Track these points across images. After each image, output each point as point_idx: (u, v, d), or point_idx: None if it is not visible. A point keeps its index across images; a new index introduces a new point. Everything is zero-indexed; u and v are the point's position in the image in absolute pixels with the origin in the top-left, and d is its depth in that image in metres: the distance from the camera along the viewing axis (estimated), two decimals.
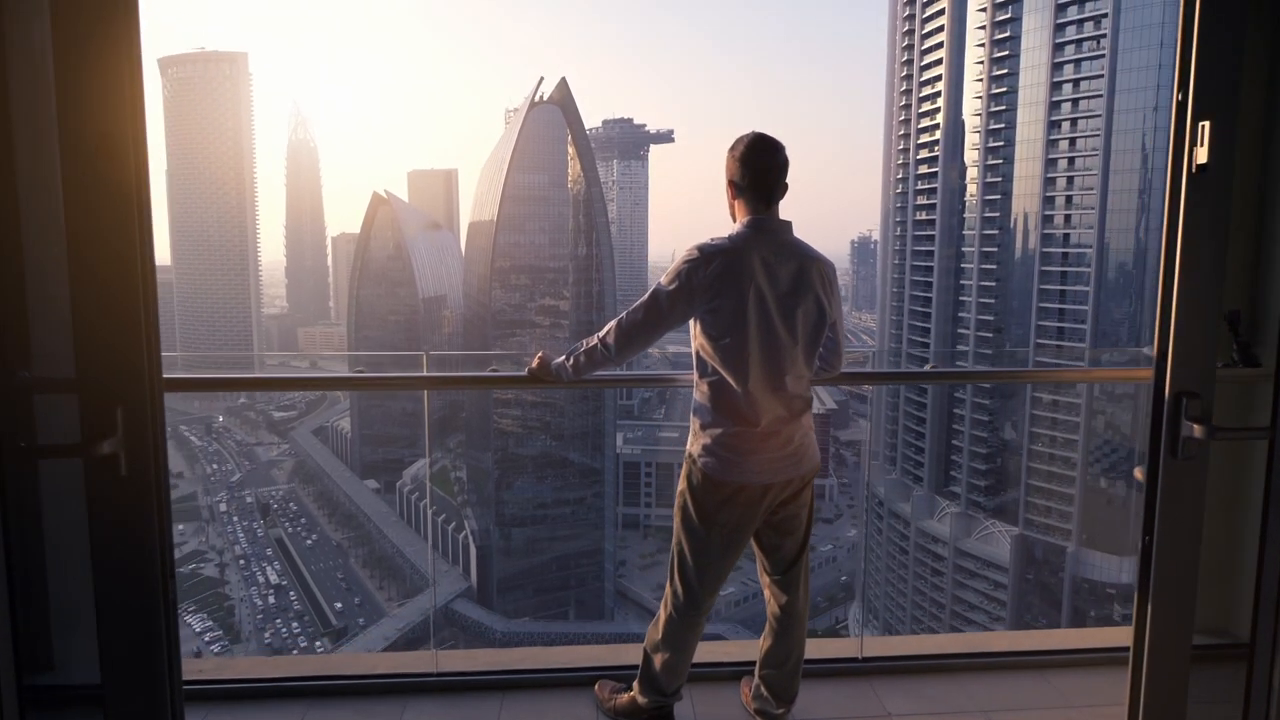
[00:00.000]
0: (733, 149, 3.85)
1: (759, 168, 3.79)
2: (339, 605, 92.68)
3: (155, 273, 2.89)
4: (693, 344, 3.91)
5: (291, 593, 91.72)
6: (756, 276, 3.66)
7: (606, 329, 4.00)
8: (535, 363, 4.37)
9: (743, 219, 3.83)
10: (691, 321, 3.86)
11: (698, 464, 3.86)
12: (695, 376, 3.92)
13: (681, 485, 4.02)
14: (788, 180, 3.92)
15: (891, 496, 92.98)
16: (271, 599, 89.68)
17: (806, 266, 3.78)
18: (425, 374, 5.15)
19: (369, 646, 74.04)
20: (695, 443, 3.89)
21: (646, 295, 3.88)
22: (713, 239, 3.79)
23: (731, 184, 3.88)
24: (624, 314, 3.94)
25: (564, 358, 4.21)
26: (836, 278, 3.96)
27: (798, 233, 3.93)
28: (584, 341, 4.11)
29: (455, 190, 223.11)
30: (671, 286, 3.76)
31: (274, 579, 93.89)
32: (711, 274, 3.65)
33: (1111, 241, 76.74)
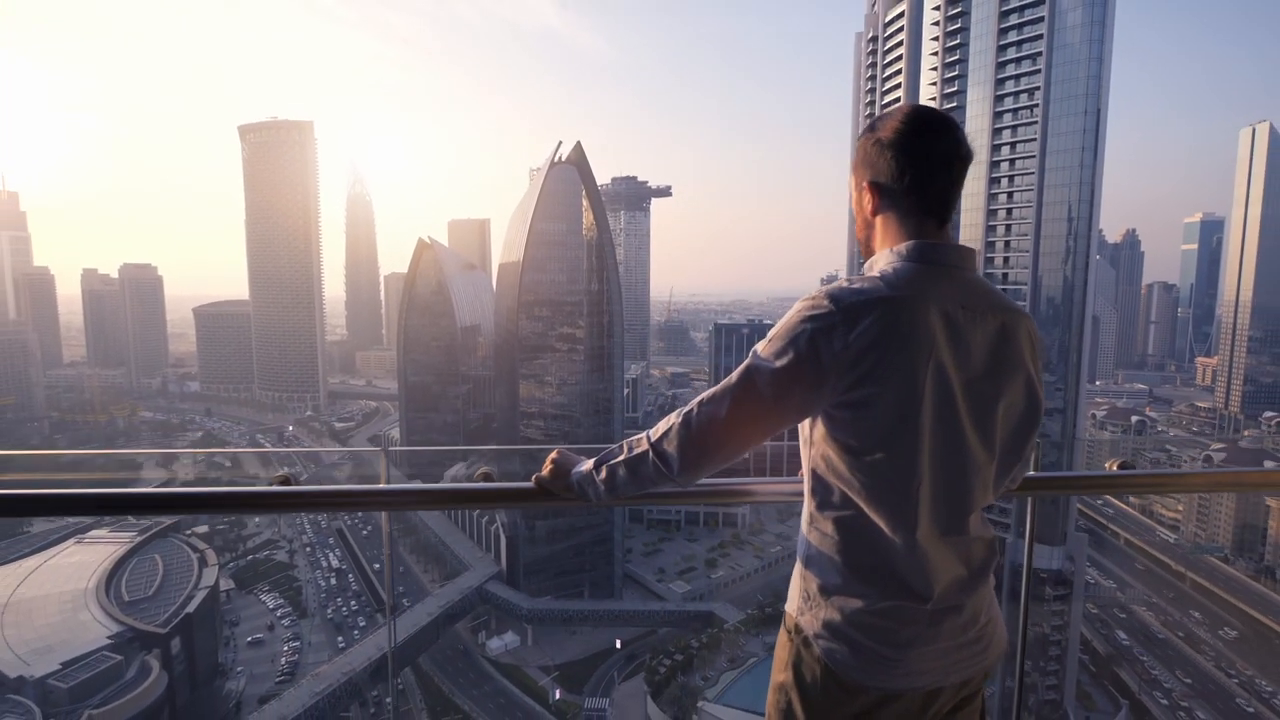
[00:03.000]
0: (876, 129, 2.14)
1: (931, 158, 2.09)
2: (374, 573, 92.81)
3: None
4: (806, 453, 2.23)
5: (350, 575, 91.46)
6: (937, 346, 1.97)
7: (665, 428, 2.22)
8: (548, 469, 2.63)
9: (895, 245, 2.14)
10: (808, 420, 2.18)
11: (815, 651, 2.17)
12: (809, 505, 2.24)
13: (784, 676, 2.27)
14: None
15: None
16: (333, 581, 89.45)
17: (1012, 327, 2.11)
18: (383, 487, 3.14)
19: (415, 622, 73.77)
20: (811, 614, 2.20)
21: (735, 375, 2.13)
22: (851, 280, 2.06)
23: (873, 188, 2.18)
24: (695, 404, 2.17)
25: (590, 466, 2.45)
26: None
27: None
28: (624, 446, 2.36)
29: (488, 236, 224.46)
30: (782, 361, 2.02)
31: (335, 564, 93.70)
32: (859, 342, 1.94)
33: (1044, 279, 76.73)
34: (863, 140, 2.20)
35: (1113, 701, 66.38)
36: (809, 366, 1.99)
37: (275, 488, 2.91)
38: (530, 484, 2.74)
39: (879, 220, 2.20)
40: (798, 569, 2.30)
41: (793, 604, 2.29)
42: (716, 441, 2.14)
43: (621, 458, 2.34)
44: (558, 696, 70.40)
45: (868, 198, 2.20)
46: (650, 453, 2.24)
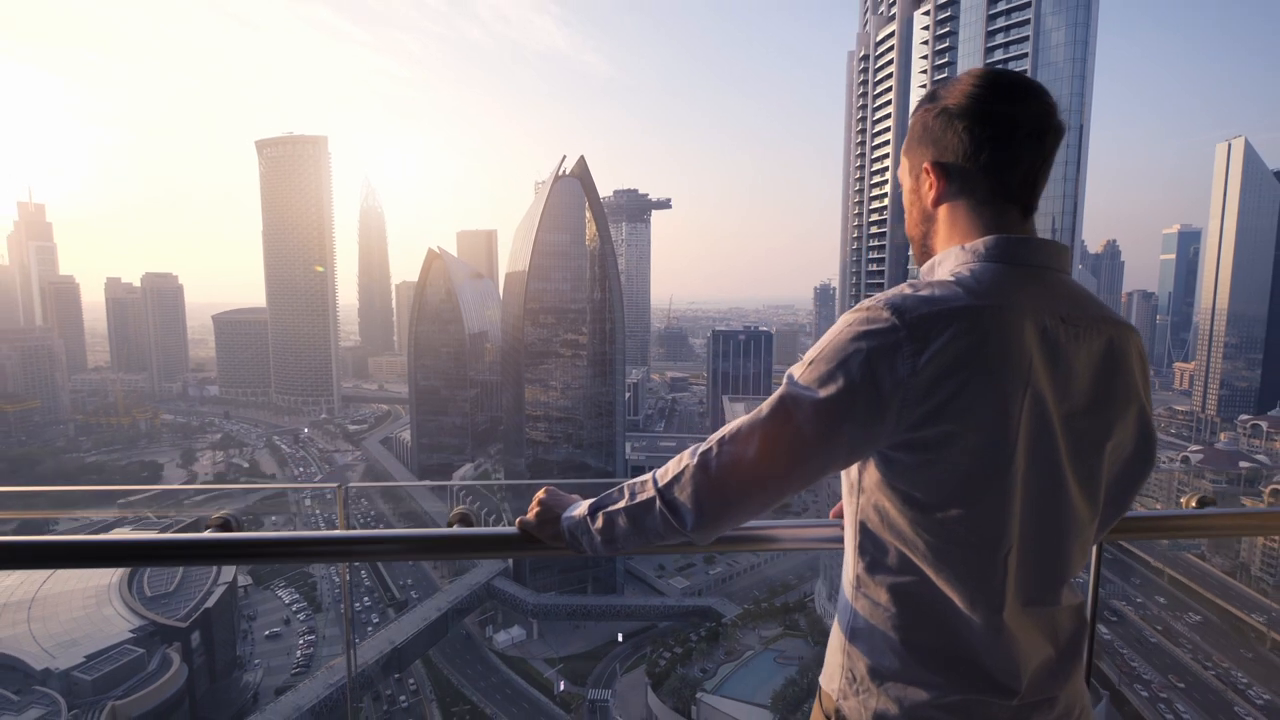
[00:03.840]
0: (939, 97, 1.66)
1: (1017, 129, 1.58)
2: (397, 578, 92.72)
3: None
4: (853, 501, 1.72)
5: (363, 571, 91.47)
6: (1034, 371, 1.48)
7: (676, 471, 1.69)
8: (534, 513, 2.07)
9: (967, 240, 1.65)
10: (859, 464, 1.68)
11: None
12: (854, 565, 1.72)
13: None
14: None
15: (834, 483, 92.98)
16: (347, 576, 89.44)
17: (1121, 346, 1.62)
18: (341, 534, 2.38)
19: (425, 616, 73.81)
20: (858, 701, 1.69)
21: (766, 406, 1.60)
22: (915, 285, 1.56)
23: (937, 170, 1.69)
24: (714, 442, 1.65)
25: (585, 511, 1.89)
26: None
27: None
28: (625, 490, 1.81)
29: (495, 247, 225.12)
30: (828, 390, 1.52)
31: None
32: (932, 367, 1.46)
33: None
34: (921, 113, 1.70)
35: (1094, 693, 66.22)
36: (864, 397, 1.47)
37: (210, 535, 2.28)
38: (513, 529, 2.16)
39: (943, 211, 1.70)
40: (838, 641, 1.77)
41: (832, 683, 1.76)
42: (742, 490, 1.61)
43: (622, 504, 1.79)
44: (562, 688, 70.34)
45: (929, 182, 1.70)
46: (658, 501, 1.70)
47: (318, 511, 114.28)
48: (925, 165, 1.69)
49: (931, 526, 1.54)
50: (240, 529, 2.36)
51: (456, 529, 2.33)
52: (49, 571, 64.10)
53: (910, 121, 1.74)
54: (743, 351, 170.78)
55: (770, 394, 1.56)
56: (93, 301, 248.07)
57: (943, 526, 1.53)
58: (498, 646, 79.16)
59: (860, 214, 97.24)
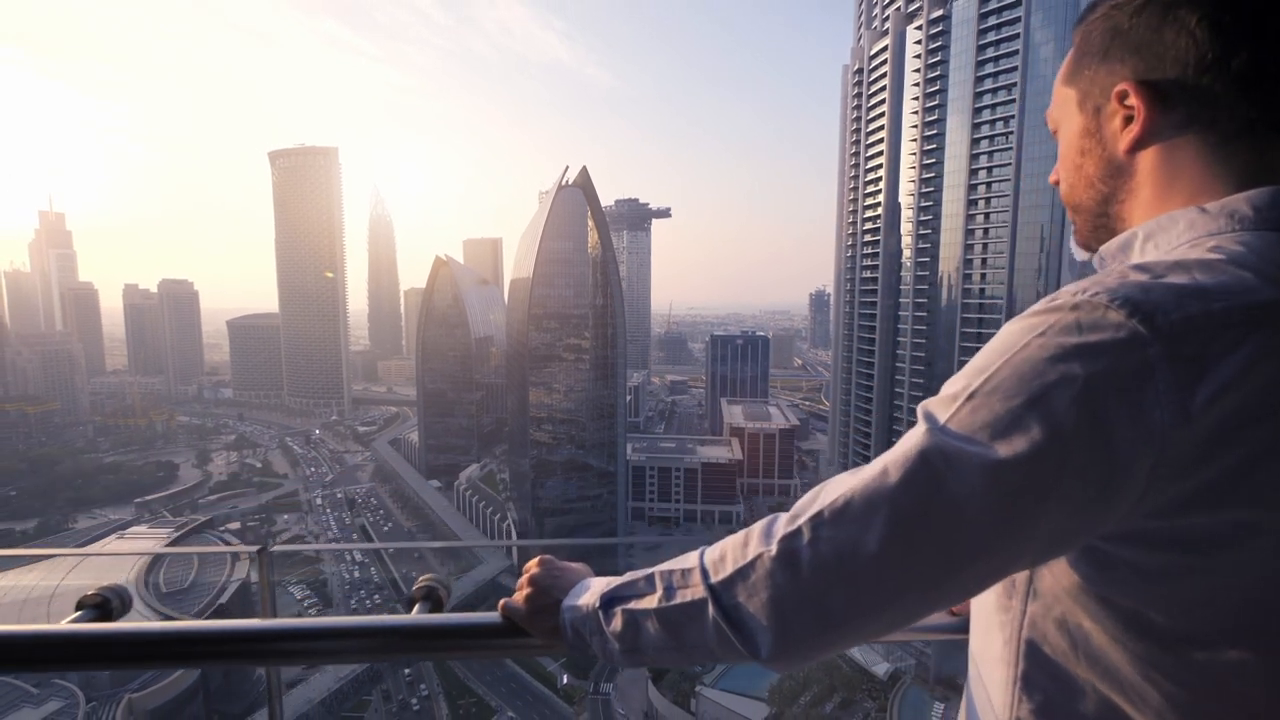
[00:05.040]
0: None
1: None
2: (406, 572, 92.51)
3: None
4: (1013, 605, 0.94)
5: (372, 568, 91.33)
6: None
7: (741, 562, 0.94)
8: (523, 595, 1.34)
9: (1209, 199, 0.87)
10: (1047, 564, 0.90)
11: None
12: (1008, 701, 0.95)
13: None
14: None
15: None
16: (357, 573, 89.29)
17: None
18: (255, 626, 1.54)
19: None
20: None
21: (895, 464, 0.82)
22: (1144, 268, 0.80)
23: (1145, 93, 0.91)
24: (804, 519, 0.88)
25: (595, 602, 1.15)
26: None
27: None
28: (657, 578, 1.07)
29: (500, 254, 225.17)
30: (1016, 446, 0.75)
31: (359, 557, 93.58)
32: (1221, 409, 0.70)
33: (1018, 294, 76.70)
34: (1104, 13, 0.96)
35: None
36: (1081, 460, 0.75)
37: (66, 628, 1.61)
38: (496, 617, 1.42)
39: (1150, 157, 0.94)
40: None
41: None
42: (857, 604, 0.88)
43: (653, 603, 1.07)
44: (565, 681, 70.27)
45: (1124, 114, 0.95)
46: (710, 607, 0.98)
47: (329, 512, 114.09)
48: (1122, 88, 0.94)
49: (1181, 672, 0.83)
50: (126, 610, 1.71)
51: (418, 617, 1.59)
52: (70, 566, 64.00)
53: (1078, 35, 1.02)
54: (740, 355, 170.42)
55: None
56: (111, 307, 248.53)
57: (1206, 674, 0.82)
58: None
59: (855, 222, 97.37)
